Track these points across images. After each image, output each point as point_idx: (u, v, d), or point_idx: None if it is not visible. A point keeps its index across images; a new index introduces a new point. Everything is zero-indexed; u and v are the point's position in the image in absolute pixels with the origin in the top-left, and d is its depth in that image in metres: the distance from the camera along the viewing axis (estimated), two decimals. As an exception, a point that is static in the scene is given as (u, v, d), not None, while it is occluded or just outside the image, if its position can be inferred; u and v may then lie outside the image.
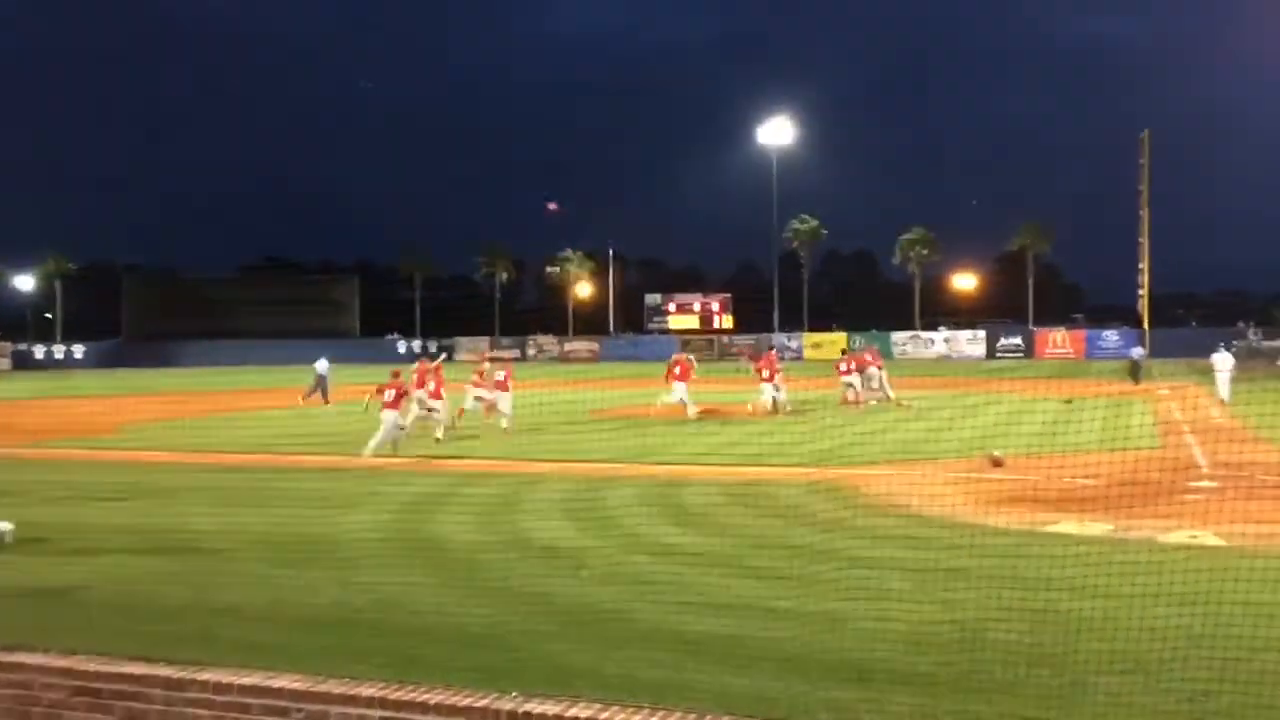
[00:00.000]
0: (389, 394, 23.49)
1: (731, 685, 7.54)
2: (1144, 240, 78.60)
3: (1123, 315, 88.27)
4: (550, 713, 5.77)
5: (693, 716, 5.79)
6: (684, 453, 21.72)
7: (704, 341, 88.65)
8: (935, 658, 8.16)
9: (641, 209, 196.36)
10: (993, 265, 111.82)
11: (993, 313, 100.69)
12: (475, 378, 30.07)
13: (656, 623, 9.42)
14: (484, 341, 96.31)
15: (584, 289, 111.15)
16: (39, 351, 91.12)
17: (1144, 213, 78.15)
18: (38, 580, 11.24)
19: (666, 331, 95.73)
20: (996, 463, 19.27)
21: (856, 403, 34.45)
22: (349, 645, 8.57)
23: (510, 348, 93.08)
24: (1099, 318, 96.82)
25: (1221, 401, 33.08)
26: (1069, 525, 14.05)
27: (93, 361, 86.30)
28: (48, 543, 13.45)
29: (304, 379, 39.89)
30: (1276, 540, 12.22)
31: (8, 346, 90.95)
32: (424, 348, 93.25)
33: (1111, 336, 77.94)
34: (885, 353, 54.78)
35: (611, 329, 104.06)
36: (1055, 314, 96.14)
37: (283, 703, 5.99)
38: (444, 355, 46.34)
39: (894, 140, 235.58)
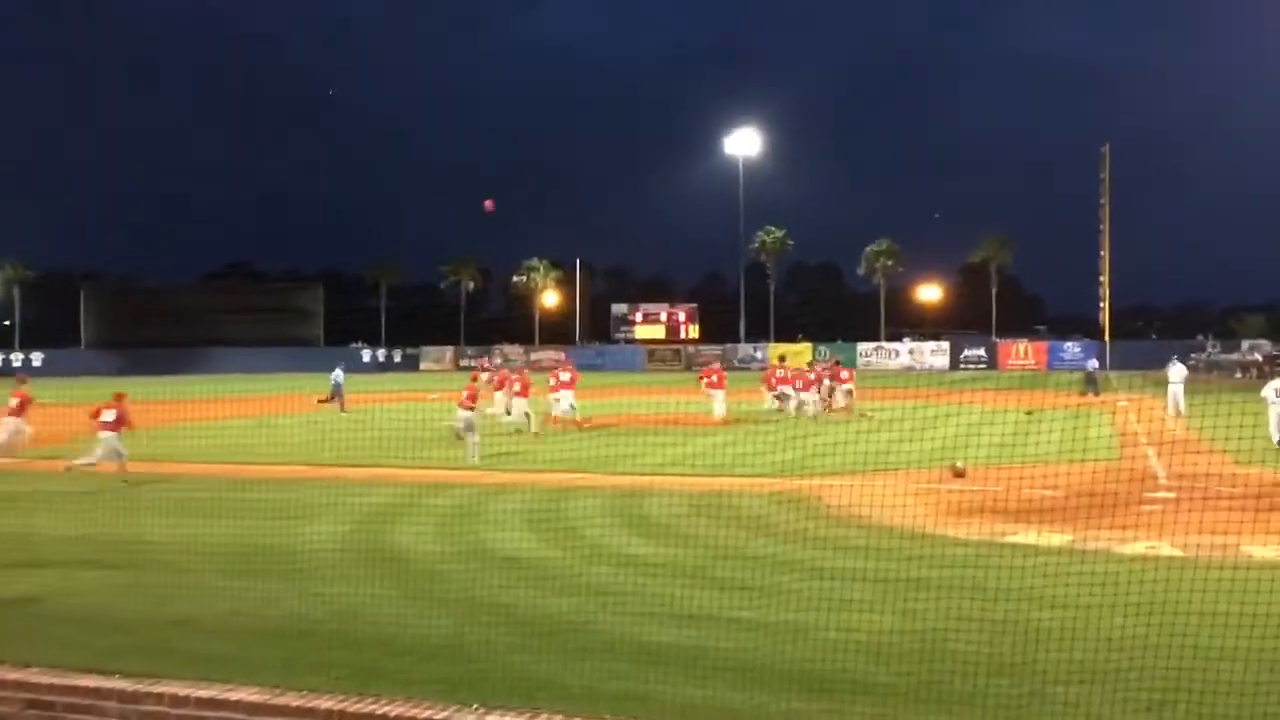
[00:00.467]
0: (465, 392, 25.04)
1: (693, 696, 7.54)
2: (1105, 253, 79.59)
3: (1084, 327, 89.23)
4: (511, 725, 5.74)
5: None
6: (648, 463, 21.70)
7: (670, 352, 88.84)
8: (895, 668, 8.20)
9: (609, 219, 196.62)
10: (956, 277, 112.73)
11: (956, 324, 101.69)
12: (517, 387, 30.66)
13: (619, 634, 9.39)
14: (449, 350, 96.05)
15: (551, 298, 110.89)
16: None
17: (1104, 226, 79.15)
18: (-10, 592, 11.07)
19: (633, 341, 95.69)
20: (958, 473, 19.38)
21: (781, 411, 34.83)
22: (308, 657, 8.50)
23: (475, 356, 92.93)
24: (1061, 329, 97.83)
25: (1177, 413, 33.43)
26: (1029, 536, 14.15)
27: (52, 370, 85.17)
28: (-2, 554, 13.25)
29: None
30: (1232, 550, 12.35)
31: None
32: (388, 355, 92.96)
33: (1073, 348, 78.68)
34: (850, 363, 55.12)
35: (578, 338, 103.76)
36: (1018, 326, 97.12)
37: (240, 715, 5.93)
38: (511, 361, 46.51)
39: (860, 152, 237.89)
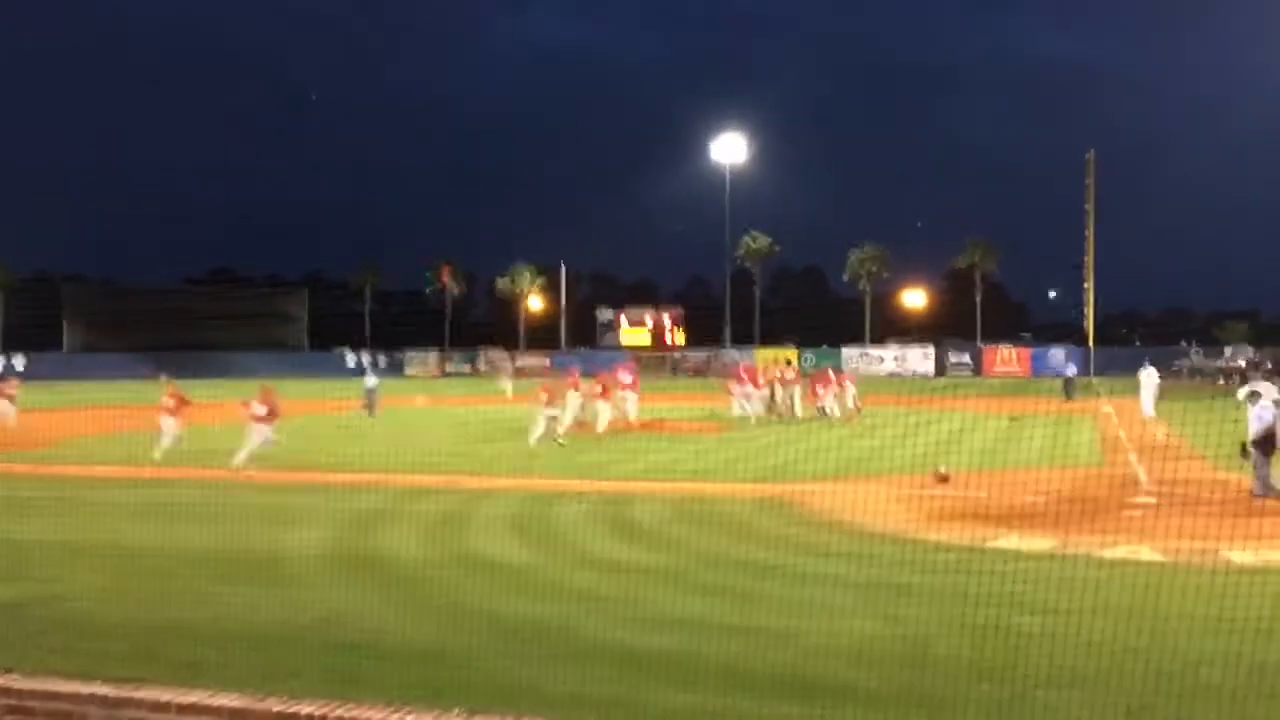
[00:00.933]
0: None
1: (677, 701, 7.55)
2: (1089, 259, 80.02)
3: (1069, 333, 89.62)
4: (494, 730, 5.73)
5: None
6: (633, 469, 21.70)
7: (656, 357, 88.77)
8: (879, 673, 8.23)
9: (594, 223, 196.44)
10: (941, 282, 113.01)
11: (942, 330, 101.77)
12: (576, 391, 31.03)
13: (603, 639, 9.39)
14: (433, 354, 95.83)
15: (535, 303, 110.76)
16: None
17: (1089, 232, 79.60)
18: (-30, 597, 11.00)
19: (618, 346, 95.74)
20: (942, 479, 19.43)
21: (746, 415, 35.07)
22: (291, 663, 8.48)
23: (462, 362, 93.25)
24: (1046, 335, 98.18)
25: (1145, 417, 33.49)
26: (1012, 541, 14.19)
27: (34, 374, 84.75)
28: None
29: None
30: (1212, 555, 12.44)
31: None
32: (373, 361, 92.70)
33: (1057, 354, 79.02)
34: (835, 368, 55.33)
35: (563, 342, 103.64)
36: (1003, 332, 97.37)
37: (222, 721, 5.90)
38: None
39: (847, 158, 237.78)
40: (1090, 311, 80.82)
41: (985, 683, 7.97)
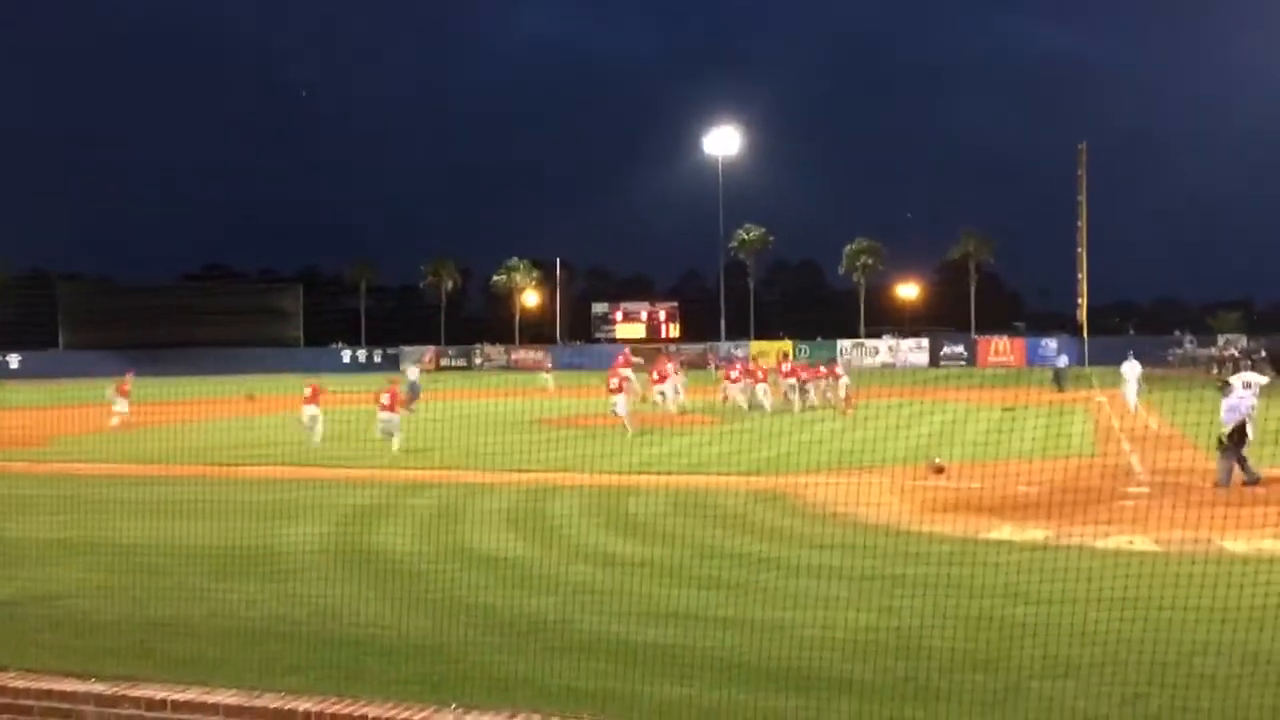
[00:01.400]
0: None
1: (673, 694, 7.55)
2: (1082, 250, 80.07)
3: (1063, 324, 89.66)
4: (490, 724, 5.74)
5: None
6: (628, 461, 21.68)
7: (652, 350, 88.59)
8: (875, 664, 8.24)
9: (589, 217, 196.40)
10: (935, 274, 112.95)
11: (936, 321, 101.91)
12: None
13: (598, 632, 9.41)
14: (429, 350, 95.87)
15: (531, 298, 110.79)
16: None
17: (1081, 223, 79.64)
18: (-35, 596, 10.97)
19: (614, 340, 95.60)
20: (937, 470, 19.48)
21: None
22: (288, 658, 8.48)
23: (457, 357, 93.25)
24: (1040, 326, 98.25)
25: (1129, 408, 33.50)
26: (1007, 531, 14.22)
27: (29, 371, 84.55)
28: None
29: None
30: (1208, 545, 12.45)
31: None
32: (369, 355, 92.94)
33: (1051, 345, 79.10)
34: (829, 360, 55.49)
35: (559, 337, 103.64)
36: (997, 322, 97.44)
37: (218, 718, 5.90)
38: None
39: (841, 150, 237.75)
40: (1083, 302, 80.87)
41: (980, 673, 8.01)
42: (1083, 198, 79.58)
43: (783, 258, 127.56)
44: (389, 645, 8.98)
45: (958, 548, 12.90)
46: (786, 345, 76.44)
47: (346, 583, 11.51)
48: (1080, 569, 10.63)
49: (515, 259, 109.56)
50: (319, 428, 27.05)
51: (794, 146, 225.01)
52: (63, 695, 6.25)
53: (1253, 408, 18.32)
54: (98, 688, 6.28)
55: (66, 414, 33.05)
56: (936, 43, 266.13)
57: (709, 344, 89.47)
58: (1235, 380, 19.36)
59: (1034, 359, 77.83)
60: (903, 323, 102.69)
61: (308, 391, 27.77)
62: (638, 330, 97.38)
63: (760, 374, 37.83)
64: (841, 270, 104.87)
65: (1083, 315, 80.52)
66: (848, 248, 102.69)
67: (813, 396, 37.69)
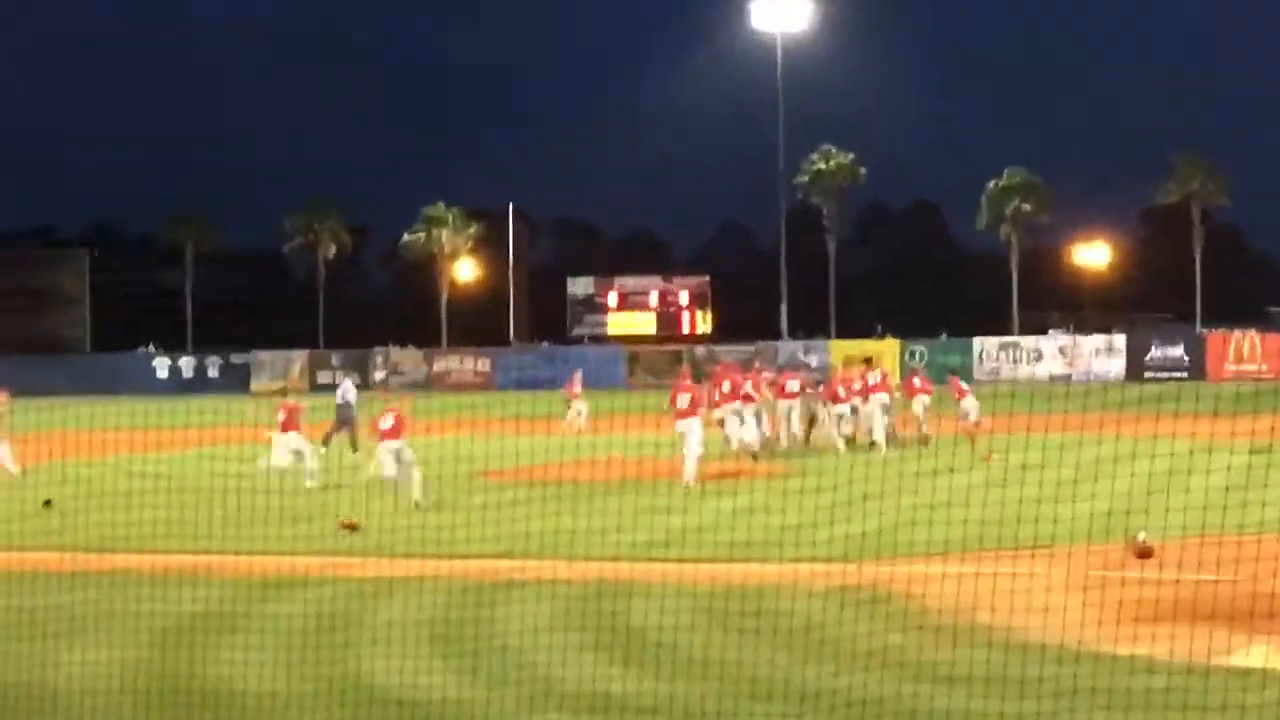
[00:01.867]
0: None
1: None
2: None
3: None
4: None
5: None
6: (630, 540, 17.48)
7: (667, 355, 59.56)
8: None
9: (562, 144, 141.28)
10: (1136, 229, 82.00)
11: (1138, 305, 76.10)
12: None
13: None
14: (298, 356, 64.40)
15: (465, 268, 75.28)
16: None
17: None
18: None
19: (603, 339, 66.64)
20: (1143, 553, 16.09)
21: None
22: None
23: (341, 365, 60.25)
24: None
25: None
26: (1263, 654, 11.41)
27: None
28: None
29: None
30: None
31: None
32: (199, 367, 65.22)
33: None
34: (964, 375, 41.27)
35: (512, 336, 71.73)
36: (1237, 307, 67.89)
37: None
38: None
39: (976, 28, 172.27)
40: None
41: None
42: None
43: (881, 201, 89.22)
44: None
45: (1180, 681, 9.86)
46: (892, 346, 55.31)
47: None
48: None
49: (440, 205, 73.92)
50: (311, 463, 22.96)
51: (899, 19, 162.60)
52: None
53: None
54: None
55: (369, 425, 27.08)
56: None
57: (759, 344, 58.77)
58: None
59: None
60: (1082, 307, 74.07)
61: (281, 416, 23.78)
62: (644, 322, 68.40)
63: (760, 388, 29.19)
64: (981, 224, 72.34)
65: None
66: (991, 185, 70.14)
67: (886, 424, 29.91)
